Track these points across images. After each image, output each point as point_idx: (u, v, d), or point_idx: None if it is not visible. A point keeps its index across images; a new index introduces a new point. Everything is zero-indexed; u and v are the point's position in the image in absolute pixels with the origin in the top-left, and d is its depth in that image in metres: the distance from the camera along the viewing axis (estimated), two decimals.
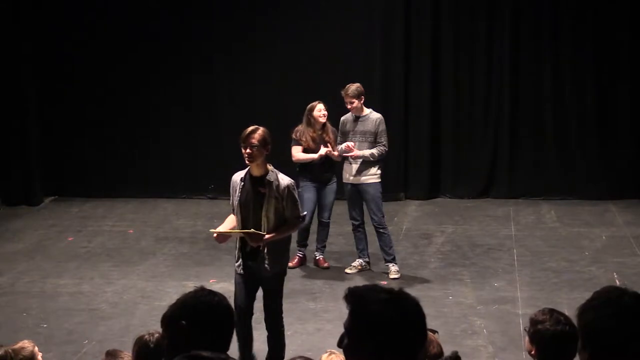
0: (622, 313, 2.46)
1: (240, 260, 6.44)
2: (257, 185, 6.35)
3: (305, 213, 6.58)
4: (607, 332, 2.45)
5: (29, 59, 12.40)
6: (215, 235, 6.48)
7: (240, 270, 6.45)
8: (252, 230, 6.28)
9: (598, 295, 2.58)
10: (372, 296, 2.62)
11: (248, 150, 6.30)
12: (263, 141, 6.30)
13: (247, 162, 6.37)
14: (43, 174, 12.63)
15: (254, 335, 6.72)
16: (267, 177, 6.34)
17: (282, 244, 6.50)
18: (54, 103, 12.69)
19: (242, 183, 6.40)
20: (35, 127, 12.55)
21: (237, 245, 6.48)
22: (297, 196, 6.47)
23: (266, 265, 6.35)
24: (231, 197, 6.51)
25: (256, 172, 6.38)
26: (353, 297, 2.65)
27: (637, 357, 2.45)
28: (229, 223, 6.55)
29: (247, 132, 6.35)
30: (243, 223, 6.39)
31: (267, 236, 6.29)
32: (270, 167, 6.41)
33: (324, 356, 4.79)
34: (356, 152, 8.81)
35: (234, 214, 6.53)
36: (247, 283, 6.42)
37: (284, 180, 6.38)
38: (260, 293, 6.56)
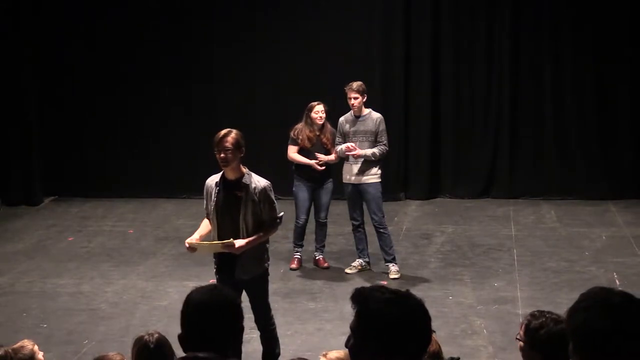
0: (613, 313, 2.43)
1: (220, 265, 6.38)
2: (233, 189, 6.25)
3: (282, 214, 6.51)
4: (598, 333, 2.42)
5: (30, 60, 12.41)
6: (187, 246, 6.31)
7: (219, 277, 6.40)
8: (231, 240, 6.16)
9: (585, 297, 2.54)
10: (377, 297, 2.65)
11: (222, 155, 6.20)
12: (237, 144, 6.20)
13: (221, 166, 6.27)
14: (43, 174, 12.64)
15: (253, 334, 6.72)
16: (243, 181, 6.24)
17: (260, 247, 6.39)
18: (54, 103, 12.70)
19: (217, 188, 6.30)
20: (35, 127, 12.56)
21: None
22: (273, 198, 6.35)
23: (242, 273, 6.28)
24: (205, 202, 6.40)
25: (231, 175, 6.27)
26: (359, 297, 2.67)
27: (631, 357, 2.42)
28: (205, 228, 6.45)
29: (220, 136, 6.26)
30: (219, 228, 6.30)
31: (243, 242, 6.17)
32: (245, 170, 6.31)
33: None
34: (358, 152, 8.81)
35: (208, 219, 6.45)
36: (231, 287, 6.34)
37: (261, 182, 6.28)
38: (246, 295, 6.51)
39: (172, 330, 7.10)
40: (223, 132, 6.30)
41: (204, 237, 6.42)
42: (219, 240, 6.29)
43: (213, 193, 6.32)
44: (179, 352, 4.82)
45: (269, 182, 6.34)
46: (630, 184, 12.00)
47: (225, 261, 6.33)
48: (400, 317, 2.60)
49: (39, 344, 5.21)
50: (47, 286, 8.89)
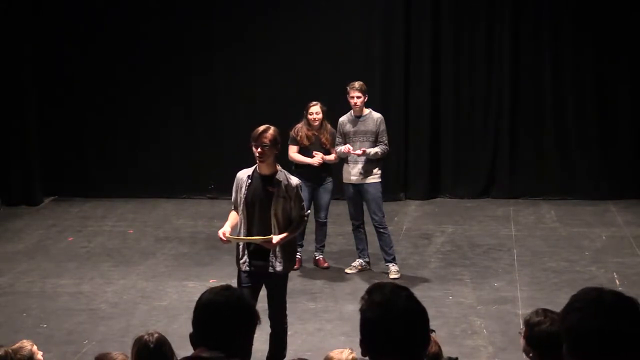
0: (606, 312, 2.42)
1: (246, 258, 6.42)
2: (266, 184, 6.37)
3: (308, 212, 6.63)
4: (593, 333, 2.41)
5: (29, 59, 12.40)
6: (224, 238, 6.36)
7: (245, 268, 6.43)
8: (271, 236, 6.29)
9: (577, 298, 2.53)
10: (373, 298, 2.69)
11: (260, 150, 6.30)
12: (274, 140, 6.33)
13: (258, 161, 6.37)
14: (43, 174, 12.62)
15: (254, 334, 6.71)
16: (277, 177, 6.37)
17: (292, 243, 6.57)
18: (54, 103, 12.68)
19: (250, 181, 6.40)
20: (35, 127, 12.55)
21: (242, 243, 6.46)
22: (302, 196, 6.54)
23: (278, 265, 6.38)
24: (234, 194, 6.50)
25: (265, 170, 6.39)
26: (365, 293, 2.74)
27: (626, 355, 2.40)
28: (232, 220, 6.52)
29: (259, 131, 6.35)
30: (248, 221, 6.39)
31: (279, 238, 6.30)
32: (278, 167, 6.46)
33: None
34: (361, 149, 8.77)
35: (235, 211, 6.52)
36: (252, 282, 6.41)
37: (293, 180, 6.44)
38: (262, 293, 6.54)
39: (172, 330, 7.12)
40: (262, 127, 6.39)
41: (234, 228, 6.50)
42: (247, 232, 6.38)
43: (244, 186, 6.40)
44: (179, 351, 4.83)
45: (300, 181, 6.56)
46: (630, 184, 12.00)
47: (258, 253, 6.38)
48: (397, 317, 2.64)
49: (39, 344, 5.21)
50: (47, 286, 8.89)
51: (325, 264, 9.34)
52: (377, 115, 9.01)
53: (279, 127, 10.10)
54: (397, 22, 12.19)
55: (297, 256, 9.32)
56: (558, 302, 7.91)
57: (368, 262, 9.21)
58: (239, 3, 12.37)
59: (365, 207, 9.06)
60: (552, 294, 8.31)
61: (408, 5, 12.17)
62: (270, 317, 6.51)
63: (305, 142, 9.12)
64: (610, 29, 11.88)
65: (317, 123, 9.12)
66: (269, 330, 6.52)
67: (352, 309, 7.61)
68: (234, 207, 6.54)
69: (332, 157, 9.13)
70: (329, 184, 9.28)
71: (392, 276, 8.84)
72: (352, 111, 9.01)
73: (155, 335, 4.60)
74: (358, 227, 9.10)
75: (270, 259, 6.38)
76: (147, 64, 12.51)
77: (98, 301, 8.42)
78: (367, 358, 2.72)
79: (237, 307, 3.05)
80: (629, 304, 2.44)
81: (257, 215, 6.36)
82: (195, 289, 8.54)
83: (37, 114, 12.58)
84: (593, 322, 2.40)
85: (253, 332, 3.08)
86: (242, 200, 6.40)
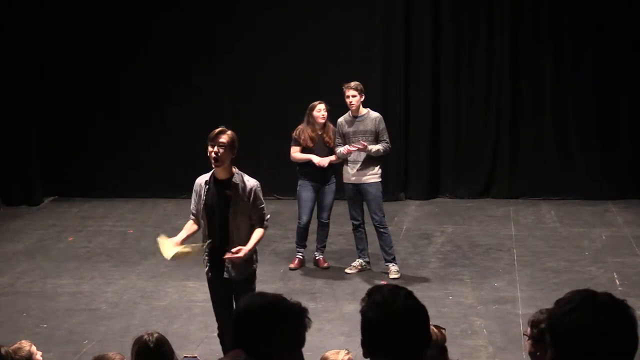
0: (604, 311, 2.34)
1: (209, 266, 6.38)
2: (223, 189, 6.26)
3: (269, 216, 6.52)
4: (593, 336, 2.32)
5: (30, 59, 12.40)
6: (170, 258, 6.28)
7: (210, 276, 6.41)
8: (240, 247, 6.18)
9: (566, 301, 2.41)
10: (372, 299, 2.71)
11: (215, 149, 6.20)
12: (231, 143, 6.22)
13: (214, 165, 6.26)
14: (43, 174, 12.63)
15: None
16: (233, 180, 6.26)
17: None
18: (54, 103, 12.69)
19: (207, 187, 6.31)
20: (35, 127, 12.55)
21: (206, 251, 6.40)
22: (262, 198, 6.38)
23: (234, 271, 6.30)
24: (193, 202, 6.41)
25: (221, 175, 6.28)
26: (365, 295, 2.75)
27: (620, 356, 2.34)
28: (185, 232, 6.39)
29: (216, 132, 6.27)
30: (209, 227, 6.31)
31: (247, 250, 6.20)
32: (235, 170, 6.33)
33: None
34: (363, 144, 8.73)
35: (193, 219, 6.42)
36: (221, 289, 6.35)
37: (250, 182, 6.31)
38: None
39: (172, 330, 7.11)
40: (219, 128, 6.34)
41: (186, 241, 6.37)
42: (209, 239, 6.31)
43: (202, 192, 6.32)
44: (179, 351, 4.83)
45: (258, 182, 6.38)
46: (630, 184, 12.00)
47: (215, 261, 6.34)
48: (397, 316, 2.65)
49: (39, 344, 5.21)
50: (47, 286, 8.89)
51: (326, 264, 9.33)
52: (375, 114, 8.99)
53: (279, 127, 10.16)
54: (397, 22, 12.19)
55: (299, 256, 9.34)
56: None
57: (368, 262, 9.20)
58: (239, 3, 12.37)
59: (365, 207, 9.05)
60: (552, 294, 8.28)
61: (408, 6, 12.18)
62: None
63: (309, 143, 9.09)
64: (611, 28, 11.87)
65: (323, 120, 9.08)
66: None
67: (352, 309, 7.60)
68: (193, 214, 6.42)
69: (333, 157, 9.10)
70: (332, 185, 9.26)
71: (392, 276, 8.83)
72: (350, 111, 8.99)
73: (155, 335, 4.60)
74: (358, 227, 9.09)
75: (226, 265, 6.28)
76: (147, 64, 12.51)
77: (98, 301, 8.42)
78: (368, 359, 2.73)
79: (269, 313, 2.89)
80: (621, 304, 2.39)
81: (217, 220, 6.27)
82: (195, 289, 8.54)
83: (37, 114, 12.58)
84: (592, 321, 2.33)
85: (287, 338, 2.87)
86: (202, 206, 6.30)
